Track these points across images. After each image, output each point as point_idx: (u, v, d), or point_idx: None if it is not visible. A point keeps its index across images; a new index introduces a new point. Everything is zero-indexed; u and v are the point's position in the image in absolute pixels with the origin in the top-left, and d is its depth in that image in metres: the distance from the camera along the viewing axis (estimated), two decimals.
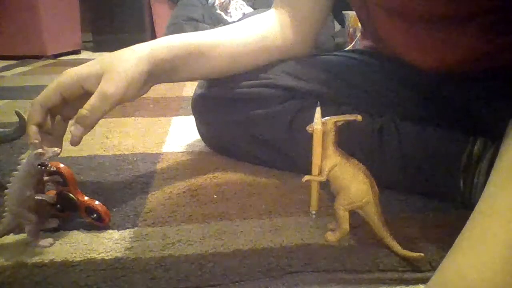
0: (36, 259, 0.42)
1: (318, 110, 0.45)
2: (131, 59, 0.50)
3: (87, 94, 0.48)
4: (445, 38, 0.56)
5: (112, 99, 0.47)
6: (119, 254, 0.43)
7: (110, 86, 0.47)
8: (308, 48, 0.69)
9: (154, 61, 0.52)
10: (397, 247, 0.42)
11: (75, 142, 0.48)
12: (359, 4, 0.65)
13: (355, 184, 0.43)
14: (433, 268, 0.38)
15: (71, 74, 0.49)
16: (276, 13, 0.66)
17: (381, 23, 0.62)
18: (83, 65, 0.50)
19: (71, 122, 0.51)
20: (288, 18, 0.65)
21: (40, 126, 0.47)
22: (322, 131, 0.44)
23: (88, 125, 0.48)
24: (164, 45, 0.54)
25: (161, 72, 0.54)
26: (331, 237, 0.45)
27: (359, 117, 0.43)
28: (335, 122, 0.44)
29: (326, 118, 0.44)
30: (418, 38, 0.58)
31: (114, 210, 0.52)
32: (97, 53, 2.57)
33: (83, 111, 0.47)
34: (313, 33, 0.69)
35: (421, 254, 0.41)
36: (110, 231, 0.47)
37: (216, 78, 0.64)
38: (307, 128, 0.45)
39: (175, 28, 1.91)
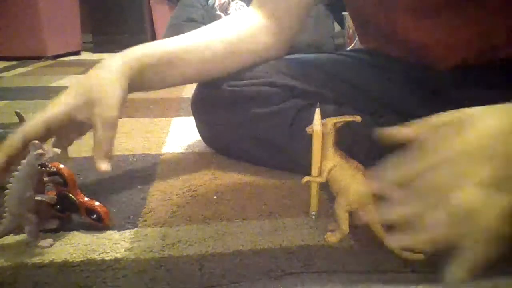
0: (36, 259, 0.42)
1: (317, 111, 0.45)
2: (112, 79, 0.51)
3: (78, 123, 0.50)
4: (464, 21, 0.57)
5: (115, 122, 0.50)
6: (119, 255, 0.43)
7: (109, 112, 0.49)
8: (283, 52, 0.69)
9: (129, 75, 0.53)
10: (397, 248, 0.42)
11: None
12: (375, 2, 0.64)
13: (354, 185, 0.43)
14: (433, 268, 0.38)
15: (59, 109, 0.49)
16: (251, 14, 0.66)
17: (399, 17, 0.61)
18: (63, 95, 0.51)
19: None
20: (264, 19, 0.65)
21: (12, 158, 0.47)
22: (322, 132, 0.44)
23: (108, 152, 0.50)
24: (135, 56, 0.55)
25: (134, 83, 0.54)
26: (331, 238, 0.45)
27: (358, 118, 0.43)
28: (334, 123, 0.44)
29: (326, 119, 0.44)
30: (438, 26, 0.59)
31: (114, 210, 0.52)
32: (97, 54, 2.57)
33: (98, 145, 0.49)
34: (290, 36, 0.68)
35: (421, 254, 0.41)
36: (110, 231, 0.47)
37: (215, 78, 0.64)
38: (306, 129, 0.45)
39: (175, 29, 1.90)
